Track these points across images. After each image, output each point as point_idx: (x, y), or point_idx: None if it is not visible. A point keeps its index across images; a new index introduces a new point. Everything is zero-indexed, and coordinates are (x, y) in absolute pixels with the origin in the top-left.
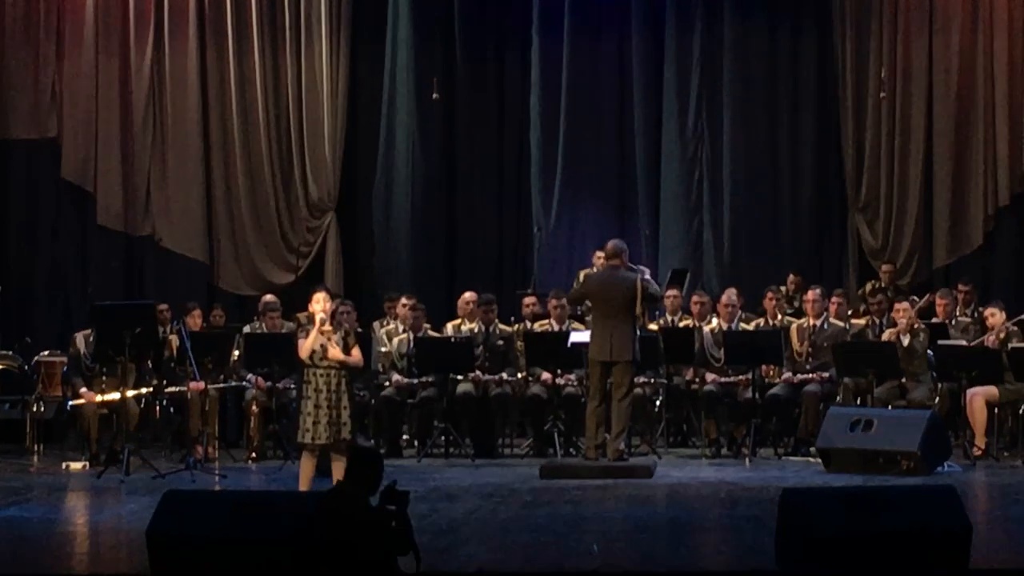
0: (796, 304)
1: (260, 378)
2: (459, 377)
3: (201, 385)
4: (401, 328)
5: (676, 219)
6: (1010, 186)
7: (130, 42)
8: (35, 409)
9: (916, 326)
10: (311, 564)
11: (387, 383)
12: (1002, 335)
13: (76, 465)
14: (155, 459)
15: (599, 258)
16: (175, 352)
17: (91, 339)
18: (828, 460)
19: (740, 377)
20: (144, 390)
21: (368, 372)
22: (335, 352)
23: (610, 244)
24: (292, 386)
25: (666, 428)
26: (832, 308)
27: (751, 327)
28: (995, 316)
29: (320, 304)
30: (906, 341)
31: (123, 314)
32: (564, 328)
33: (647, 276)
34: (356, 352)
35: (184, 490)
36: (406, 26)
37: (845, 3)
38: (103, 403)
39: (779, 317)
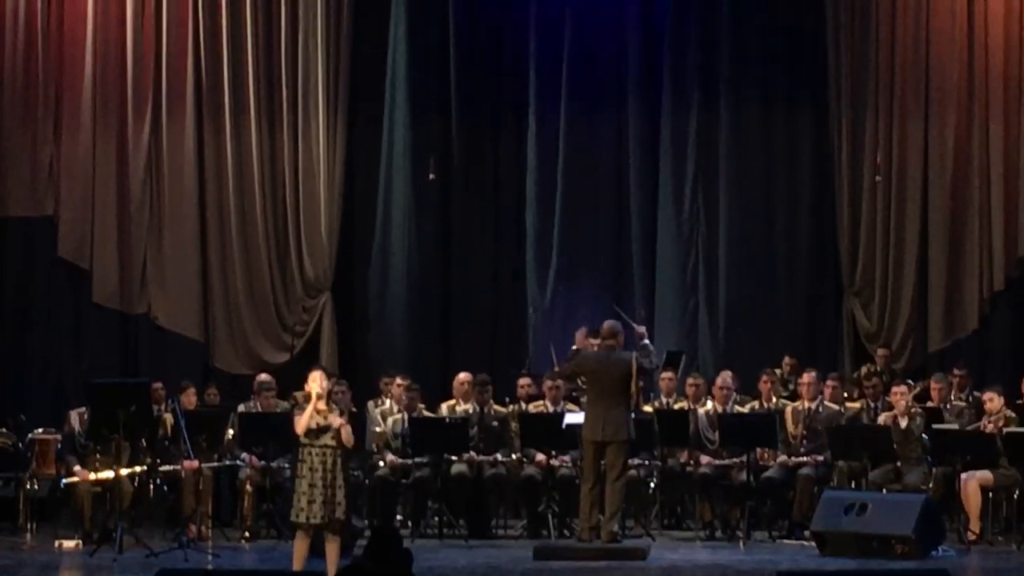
0: (791, 387)
1: (254, 457)
2: (453, 458)
3: (195, 464)
4: (396, 408)
5: (671, 300)
6: (1005, 270)
7: (128, 121)
8: (28, 487)
9: (913, 410)
10: None
11: (381, 463)
12: (1000, 422)
13: (69, 543)
14: (148, 537)
15: (591, 343)
16: (169, 430)
17: (85, 417)
18: (823, 543)
19: (735, 460)
20: (138, 468)
21: (362, 452)
22: (337, 421)
23: (606, 324)
24: (286, 465)
25: (660, 510)
26: (827, 391)
27: (746, 409)
28: (993, 401)
29: (316, 382)
30: (904, 424)
31: (118, 392)
32: (559, 409)
33: (645, 342)
34: (348, 433)
35: (177, 569)
36: (403, 105)
37: (841, 86)
38: (97, 481)
39: (774, 400)
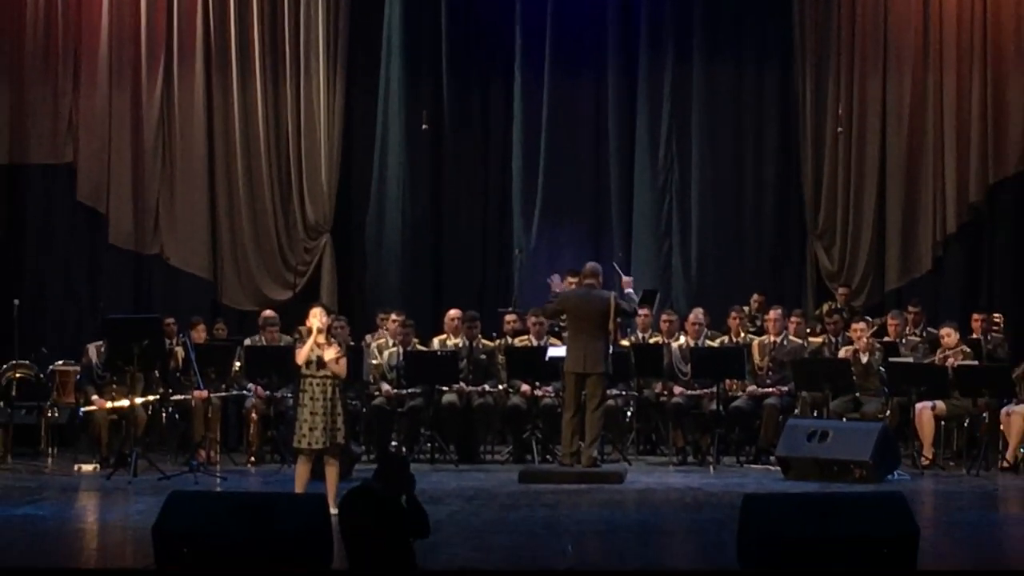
0: (758, 323)
1: (259, 387)
2: (444, 388)
3: (204, 393)
4: (391, 342)
5: (647, 243)
6: (957, 215)
7: (142, 75)
8: (50, 415)
9: (871, 344)
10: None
11: (377, 393)
12: (959, 356)
13: (87, 467)
14: (161, 462)
15: (569, 282)
16: (180, 363)
17: (102, 350)
18: (787, 468)
19: (705, 390)
20: (151, 398)
21: (360, 382)
22: (329, 354)
23: (588, 265)
24: (289, 395)
25: (636, 437)
26: (791, 327)
27: (716, 344)
28: (950, 336)
29: (317, 318)
30: (863, 358)
31: (132, 327)
32: (542, 343)
33: (629, 291)
34: (342, 363)
35: (187, 491)
36: (398, 61)
37: (806, 44)
38: (113, 410)
39: (742, 335)
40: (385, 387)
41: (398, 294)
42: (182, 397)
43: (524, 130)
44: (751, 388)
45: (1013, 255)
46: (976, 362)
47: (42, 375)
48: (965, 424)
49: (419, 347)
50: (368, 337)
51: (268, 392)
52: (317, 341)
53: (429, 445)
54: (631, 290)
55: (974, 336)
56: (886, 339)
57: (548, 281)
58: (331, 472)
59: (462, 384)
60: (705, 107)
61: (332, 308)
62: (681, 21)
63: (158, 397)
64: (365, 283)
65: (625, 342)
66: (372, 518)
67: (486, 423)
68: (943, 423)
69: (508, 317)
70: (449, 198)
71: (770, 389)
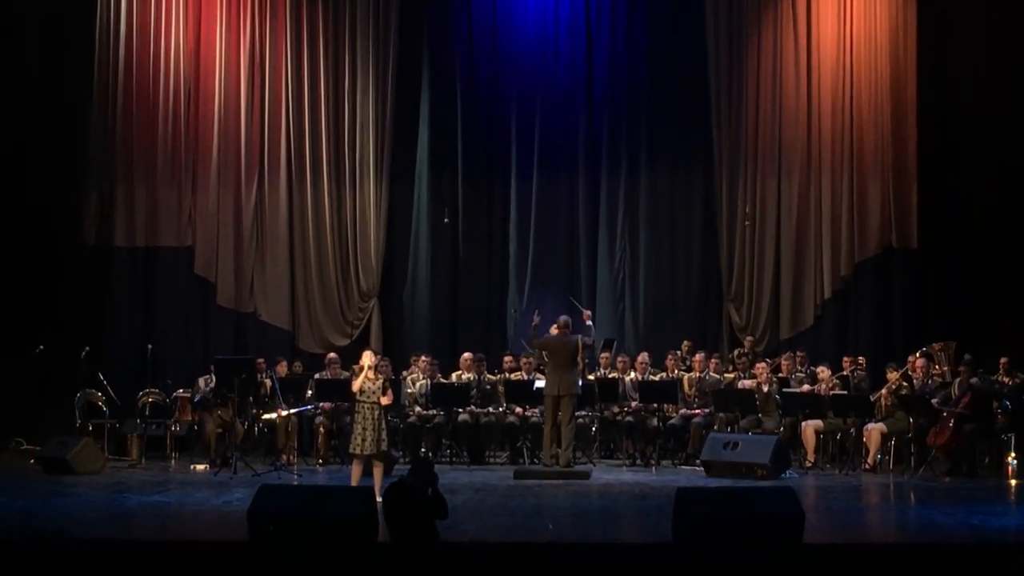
0: (687, 363)
1: (326, 408)
2: (459, 410)
3: (285, 413)
4: (421, 376)
5: (606, 305)
6: (832, 284)
7: (241, 180)
8: (173, 428)
9: (769, 378)
10: (362, 537)
11: (411, 414)
12: (831, 386)
13: (200, 467)
14: (254, 463)
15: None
16: (268, 391)
17: (211, 381)
18: (708, 468)
19: (649, 412)
20: (247, 416)
21: (398, 406)
22: (384, 400)
23: (561, 318)
24: (347, 415)
25: (599, 446)
26: (712, 366)
27: (657, 378)
28: (824, 373)
29: (367, 358)
30: (764, 389)
31: (234, 365)
32: (531, 378)
33: (588, 323)
34: (390, 395)
35: (273, 484)
36: (426, 170)
37: (722, 157)
38: (219, 424)
39: (676, 372)
40: (417, 409)
41: (426, 341)
42: (269, 416)
43: (518, 221)
44: (682, 410)
45: (872, 313)
46: (845, 392)
47: (167, 399)
48: (838, 437)
49: (441, 380)
50: (404, 372)
51: (332, 412)
52: (367, 376)
53: (448, 451)
54: (590, 322)
55: (844, 373)
56: (780, 375)
57: (532, 318)
58: (377, 471)
59: (472, 407)
60: (649, 204)
61: (378, 351)
62: (631, 140)
63: (252, 416)
64: (402, 333)
65: (591, 377)
66: (407, 505)
67: (490, 435)
68: (821, 436)
69: (506, 358)
70: (463, 271)
71: (696, 411)
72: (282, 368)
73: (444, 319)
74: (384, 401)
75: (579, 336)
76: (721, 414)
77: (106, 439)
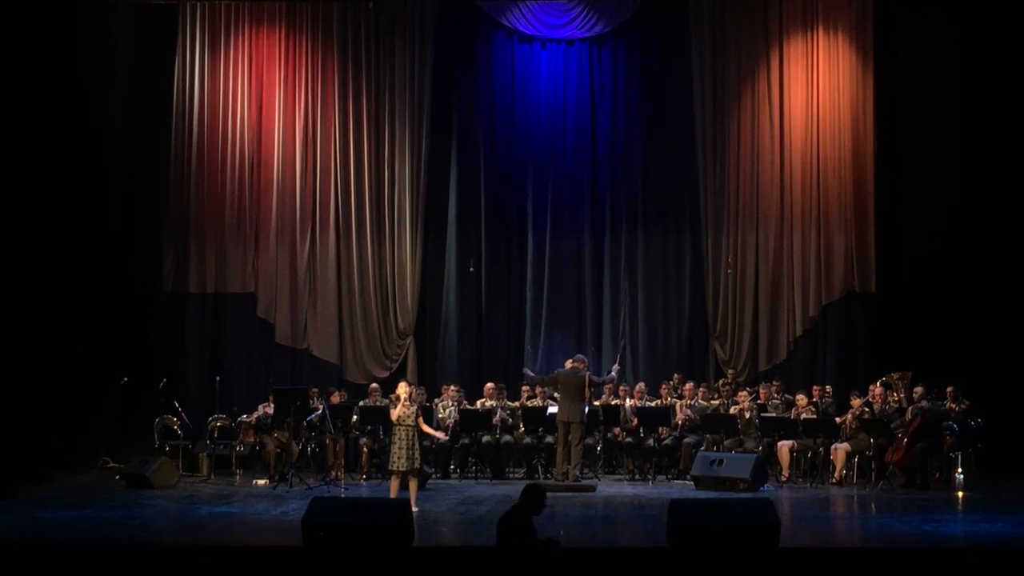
0: (679, 392)
1: (368, 430)
2: (483, 433)
3: (334, 435)
4: (450, 403)
5: (609, 343)
6: (803, 323)
7: (296, 235)
8: (237, 449)
9: (749, 405)
10: (399, 542)
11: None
12: (806, 412)
13: (261, 482)
14: (307, 478)
15: (569, 363)
16: (318, 418)
17: (270, 408)
18: (697, 483)
19: (646, 434)
20: (302, 438)
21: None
22: (427, 430)
23: (577, 356)
24: (385, 437)
25: (603, 463)
26: (700, 394)
27: (653, 404)
28: (802, 400)
29: (403, 388)
30: (746, 414)
31: (290, 394)
32: (545, 405)
33: (613, 374)
34: (420, 420)
35: (324, 496)
36: (454, 225)
37: (708, 216)
38: (277, 445)
39: (669, 399)
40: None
41: (455, 373)
42: (321, 437)
43: (534, 270)
44: (675, 433)
45: (838, 348)
46: (815, 416)
47: (232, 423)
48: (809, 455)
49: (468, 407)
50: (436, 400)
51: (374, 434)
52: (404, 403)
53: (474, 468)
54: (615, 374)
55: (814, 400)
56: (759, 402)
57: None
58: (412, 485)
59: (495, 430)
60: (645, 256)
61: (413, 382)
62: (629, 202)
63: (306, 438)
64: (435, 367)
65: (597, 403)
66: (511, 527)
67: (510, 454)
68: (795, 454)
69: (524, 388)
70: (486, 313)
71: (687, 434)
72: (333, 397)
73: (470, 354)
74: (440, 437)
75: (587, 373)
76: (708, 436)
77: (180, 458)
